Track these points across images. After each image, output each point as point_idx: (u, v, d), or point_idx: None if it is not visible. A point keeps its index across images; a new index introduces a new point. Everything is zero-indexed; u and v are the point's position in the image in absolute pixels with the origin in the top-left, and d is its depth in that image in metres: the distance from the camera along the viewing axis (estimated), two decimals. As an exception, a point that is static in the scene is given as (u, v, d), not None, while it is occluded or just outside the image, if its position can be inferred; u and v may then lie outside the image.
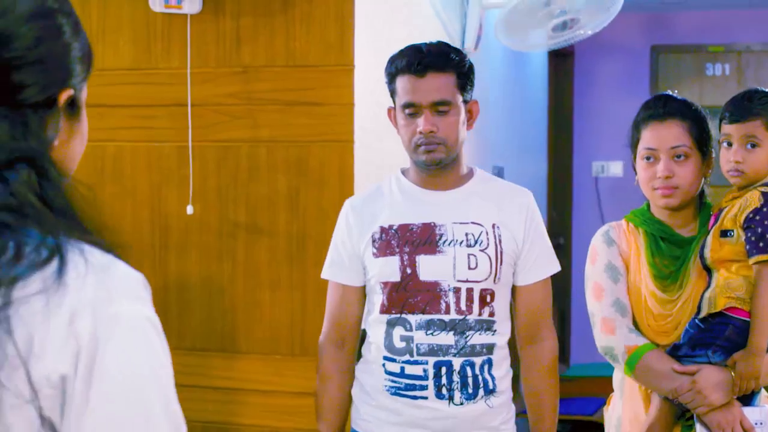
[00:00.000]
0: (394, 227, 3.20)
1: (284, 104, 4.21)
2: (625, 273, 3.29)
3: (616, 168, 9.05)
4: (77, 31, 1.49)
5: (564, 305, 8.65)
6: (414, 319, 3.14)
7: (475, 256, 3.15)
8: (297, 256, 4.21)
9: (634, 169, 3.33)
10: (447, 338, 3.13)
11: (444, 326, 3.13)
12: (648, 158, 3.23)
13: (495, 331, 3.18)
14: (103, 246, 1.40)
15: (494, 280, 3.16)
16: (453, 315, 3.13)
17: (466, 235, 3.16)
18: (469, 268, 3.14)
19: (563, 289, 8.44)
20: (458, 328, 3.13)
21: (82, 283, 1.30)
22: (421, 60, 3.13)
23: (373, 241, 3.21)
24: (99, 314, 1.30)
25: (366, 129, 4.19)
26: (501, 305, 3.21)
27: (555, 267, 3.31)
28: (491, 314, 3.17)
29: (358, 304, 3.32)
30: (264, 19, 4.22)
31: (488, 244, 3.16)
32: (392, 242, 3.18)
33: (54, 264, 1.29)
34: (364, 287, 3.30)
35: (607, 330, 3.22)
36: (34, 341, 1.26)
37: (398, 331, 3.18)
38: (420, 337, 3.14)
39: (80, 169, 4.11)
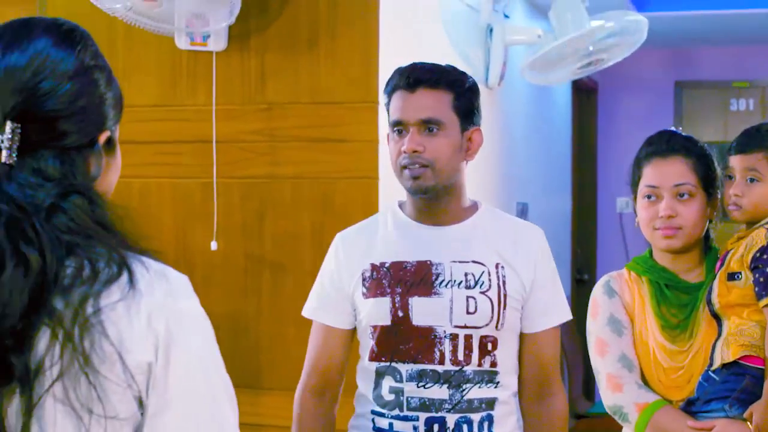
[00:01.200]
0: (387, 265, 2.88)
1: (309, 141, 4.22)
2: (629, 325, 3.06)
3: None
4: (110, 82, 1.76)
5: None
6: (405, 368, 2.82)
7: (474, 298, 2.82)
8: (321, 292, 4.21)
9: (635, 211, 3.14)
10: (440, 392, 2.80)
11: (437, 378, 2.80)
12: (649, 197, 3.03)
13: (498, 383, 2.85)
14: (150, 255, 1.69)
15: (497, 326, 2.83)
16: (448, 365, 2.80)
17: (466, 275, 2.84)
18: (468, 313, 2.81)
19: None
20: (453, 380, 2.80)
21: (151, 289, 1.62)
22: (411, 74, 2.85)
23: (364, 279, 2.90)
24: (169, 313, 1.63)
25: (390, 165, 4.19)
26: (506, 354, 2.88)
27: (566, 315, 3.00)
28: (493, 364, 2.84)
29: (342, 348, 3.01)
30: (289, 56, 4.24)
31: (490, 286, 2.83)
32: (383, 281, 2.86)
33: (125, 275, 1.59)
34: (351, 331, 2.99)
35: (614, 387, 3.00)
36: (123, 339, 1.57)
37: (387, 382, 2.85)
38: (411, 390, 2.81)
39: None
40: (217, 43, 4.23)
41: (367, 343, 2.91)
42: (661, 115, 9.25)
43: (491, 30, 5.53)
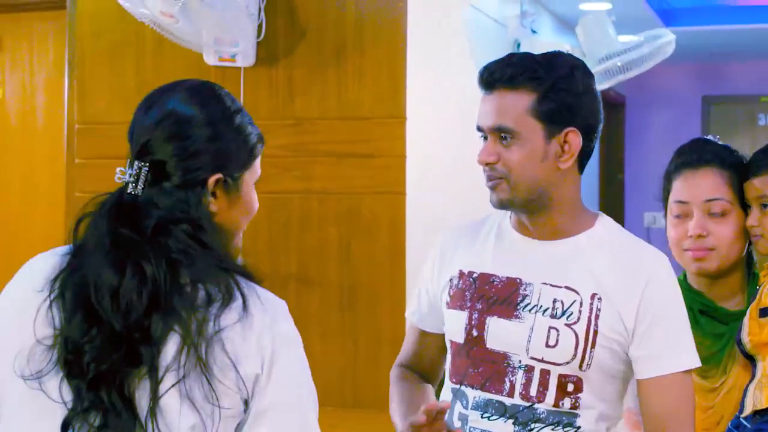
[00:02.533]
0: (475, 275, 2.53)
1: (336, 156, 4.23)
2: None
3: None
4: (219, 135, 2.03)
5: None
6: (472, 394, 2.49)
7: (557, 330, 2.41)
8: (348, 307, 4.21)
9: (666, 229, 2.82)
10: (505, 427, 2.44)
11: (503, 411, 2.44)
12: (678, 214, 2.71)
13: (579, 429, 2.42)
14: (253, 278, 2.03)
15: (580, 366, 2.40)
16: (517, 399, 2.43)
17: (554, 302, 2.44)
18: (547, 345, 2.41)
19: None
20: (521, 417, 2.42)
21: (261, 312, 1.96)
22: (490, 70, 2.46)
23: (450, 287, 2.58)
24: (274, 333, 1.96)
25: (418, 181, 4.20)
26: (595, 399, 2.43)
27: (687, 361, 2.43)
28: (574, 407, 2.41)
29: (438, 351, 2.69)
30: (317, 72, 4.25)
31: (579, 319, 2.41)
32: (466, 293, 2.53)
33: (239, 300, 1.93)
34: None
35: (633, 425, 2.65)
36: (238, 353, 1.90)
37: (457, 407, 2.53)
38: (475, 420, 2.48)
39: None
40: (246, 59, 4.24)
41: (449, 360, 2.60)
42: (688, 129, 9.20)
43: (519, 45, 5.53)
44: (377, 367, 4.10)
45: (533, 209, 2.47)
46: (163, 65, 4.45)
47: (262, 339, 1.94)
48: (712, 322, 2.70)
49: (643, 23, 6.07)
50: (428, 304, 2.66)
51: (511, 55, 2.48)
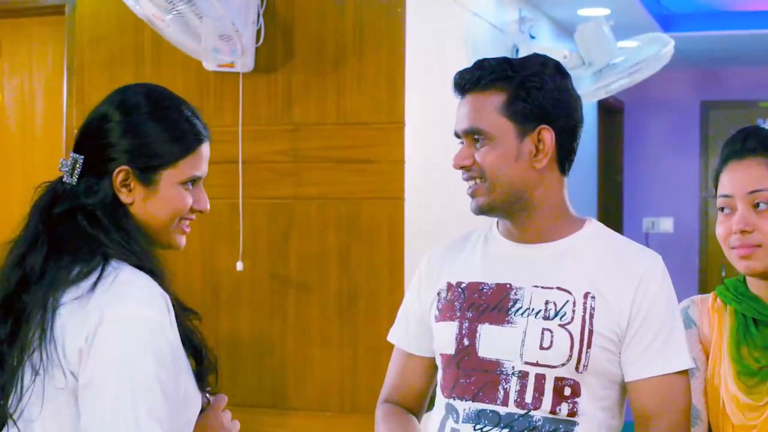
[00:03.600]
0: (463, 285, 2.46)
1: (335, 162, 4.23)
2: (704, 366, 2.48)
3: (666, 224, 9.01)
4: (132, 131, 2.15)
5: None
6: (462, 407, 2.38)
7: (551, 332, 2.33)
8: (347, 313, 4.21)
9: None
10: None
11: (497, 421, 2.34)
12: (723, 209, 2.44)
13: None
14: (145, 267, 2.09)
15: (576, 368, 2.32)
16: (511, 408, 2.33)
17: (546, 303, 2.36)
18: (542, 348, 2.33)
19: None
20: (516, 426, 2.32)
21: (103, 292, 2.02)
22: (461, 77, 2.46)
23: (438, 300, 2.50)
24: (105, 313, 2.00)
25: (416, 186, 4.20)
26: (592, 404, 2.35)
27: (679, 362, 2.35)
28: (572, 414, 2.32)
29: (424, 377, 2.60)
30: (315, 78, 4.25)
31: (572, 319, 2.33)
32: (455, 304, 2.45)
33: (92, 280, 2.03)
34: (433, 359, 2.56)
35: None
36: (66, 328, 2.01)
37: (449, 423, 2.42)
38: None
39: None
40: (244, 65, 4.24)
41: (439, 375, 2.50)
42: (686, 135, 9.24)
43: (517, 50, 5.54)
44: (376, 372, 4.10)
45: (515, 213, 2.42)
46: (161, 71, 4.46)
47: (90, 316, 2.01)
48: (767, 332, 2.41)
49: (642, 29, 6.07)
50: (416, 325, 2.58)
51: (483, 60, 2.45)
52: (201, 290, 4.40)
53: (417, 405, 2.62)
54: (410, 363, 2.61)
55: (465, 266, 2.50)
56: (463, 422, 2.37)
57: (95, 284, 2.03)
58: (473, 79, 2.41)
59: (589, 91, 5.47)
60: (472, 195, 2.42)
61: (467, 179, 2.42)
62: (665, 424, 2.34)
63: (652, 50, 5.29)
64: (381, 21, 4.18)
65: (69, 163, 2.17)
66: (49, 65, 5.22)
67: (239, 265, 4.29)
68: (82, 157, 2.16)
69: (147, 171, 2.16)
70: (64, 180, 2.17)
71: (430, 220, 4.36)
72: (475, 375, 2.38)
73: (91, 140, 2.16)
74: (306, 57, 4.28)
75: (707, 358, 2.48)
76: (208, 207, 2.29)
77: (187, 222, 2.28)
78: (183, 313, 2.18)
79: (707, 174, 9.17)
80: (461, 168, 2.41)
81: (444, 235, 4.50)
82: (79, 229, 2.11)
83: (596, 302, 2.35)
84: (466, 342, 2.40)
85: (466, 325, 2.41)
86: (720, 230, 2.43)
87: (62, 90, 4.69)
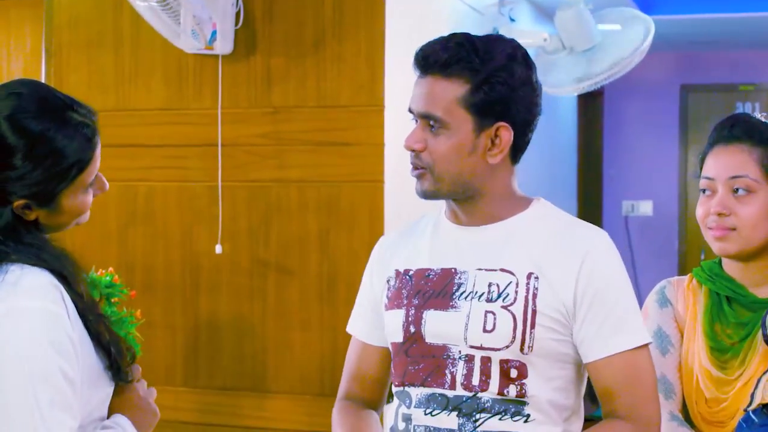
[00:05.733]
0: (411, 272, 2.44)
1: (315, 144, 4.22)
2: (678, 343, 2.58)
3: (645, 207, 9.03)
4: (26, 167, 2.10)
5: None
6: (414, 393, 2.37)
7: (494, 314, 2.30)
8: (327, 297, 4.21)
9: None
10: (448, 420, 2.32)
11: (446, 404, 2.33)
12: (704, 190, 2.55)
13: (528, 417, 2.31)
14: (54, 271, 2.08)
15: (522, 349, 2.29)
16: (459, 390, 2.31)
17: (489, 285, 2.33)
18: (485, 331, 2.30)
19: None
20: (464, 408, 2.31)
21: None
22: (425, 53, 2.36)
23: (388, 289, 2.49)
24: None
25: (396, 169, 4.20)
26: (542, 386, 2.32)
27: (635, 338, 2.31)
28: (520, 395, 2.30)
29: (381, 366, 2.57)
30: (295, 60, 4.24)
31: (515, 300, 2.30)
32: (403, 291, 2.43)
33: None
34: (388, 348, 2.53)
35: None
36: None
37: (401, 409, 2.41)
38: (418, 418, 2.35)
39: (113, 209, 4.12)
40: (224, 47, 4.23)
41: (392, 364, 2.49)
42: (666, 118, 9.25)
43: (497, 33, 5.54)
44: (356, 355, 4.11)
45: (460, 199, 2.39)
46: (140, 54, 4.44)
47: None
48: (739, 310, 2.53)
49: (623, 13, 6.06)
50: (371, 313, 2.56)
51: (449, 38, 2.35)
52: (180, 273, 4.40)
53: (376, 396, 2.59)
54: (366, 352, 2.58)
55: (413, 253, 2.47)
56: (414, 407, 2.37)
57: None
58: (438, 62, 2.32)
59: (572, 87, 5.47)
60: (417, 178, 2.37)
61: (415, 163, 2.37)
62: (631, 400, 2.29)
63: (634, 40, 5.28)
64: (360, 3, 4.17)
65: None
66: (27, 47, 5.20)
67: (218, 248, 4.28)
68: None
69: (46, 199, 2.14)
70: None
71: (409, 204, 4.34)
72: (423, 362, 2.36)
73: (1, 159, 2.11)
74: (285, 40, 4.26)
75: (682, 336, 2.58)
76: (107, 186, 2.26)
77: (95, 195, 2.27)
78: (92, 312, 2.16)
79: (686, 157, 9.19)
80: (412, 150, 2.35)
81: (424, 218, 4.50)
82: None
83: (539, 282, 2.31)
84: (412, 329, 2.38)
85: (413, 312, 2.38)
86: (700, 211, 2.54)
87: (40, 72, 4.67)
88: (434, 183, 2.35)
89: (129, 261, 4.44)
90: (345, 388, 2.61)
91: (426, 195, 2.38)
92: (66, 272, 2.11)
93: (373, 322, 2.55)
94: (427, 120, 2.32)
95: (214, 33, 4.17)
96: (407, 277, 2.44)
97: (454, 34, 2.37)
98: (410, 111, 2.38)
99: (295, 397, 4.27)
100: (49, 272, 2.08)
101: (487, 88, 2.30)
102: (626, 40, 5.35)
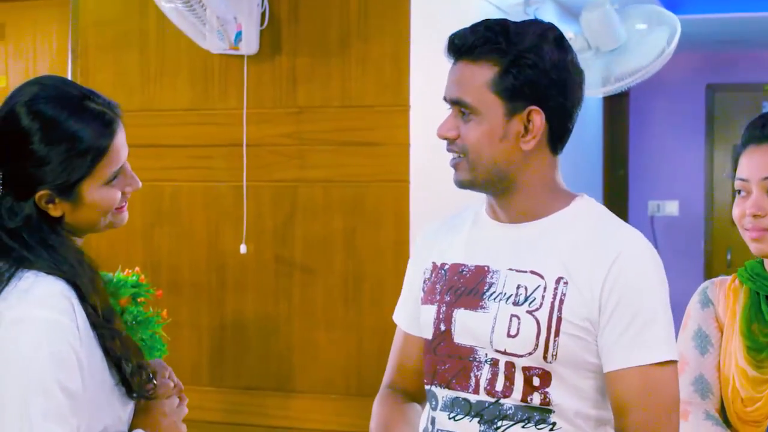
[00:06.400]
0: (446, 266, 2.37)
1: (340, 144, 4.22)
2: (718, 343, 2.55)
3: (671, 207, 8.99)
4: (35, 160, 2.10)
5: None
6: (441, 394, 2.31)
7: (518, 318, 2.21)
8: (353, 296, 4.21)
9: None
10: (470, 426, 2.25)
11: (468, 409, 2.26)
12: (739, 191, 2.52)
13: (554, 426, 2.21)
14: (58, 274, 2.07)
15: (545, 357, 2.19)
16: (482, 395, 2.24)
17: (518, 288, 2.24)
18: (509, 335, 2.21)
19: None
20: (486, 414, 2.23)
21: (5, 297, 2.04)
22: (454, 39, 2.28)
23: (424, 281, 2.42)
24: (3, 314, 2.02)
25: (422, 169, 4.19)
26: (567, 394, 2.22)
27: (659, 353, 2.17)
28: (545, 403, 2.20)
29: (420, 357, 2.43)
30: (320, 60, 4.24)
31: (541, 305, 2.20)
32: (437, 286, 2.36)
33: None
34: None
35: (681, 414, 2.32)
36: None
37: (428, 410, 2.36)
38: (442, 421, 2.30)
39: (139, 209, 4.14)
40: (249, 47, 4.23)
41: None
42: (692, 118, 9.21)
43: (522, 33, 5.52)
44: (381, 355, 4.10)
45: (497, 192, 2.30)
46: (166, 55, 4.45)
47: None
48: None
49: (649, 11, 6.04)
50: (412, 302, 2.47)
51: (480, 22, 2.28)
52: (206, 273, 4.40)
53: (418, 387, 2.46)
54: (407, 342, 2.50)
55: (451, 246, 2.39)
56: (440, 410, 2.31)
57: (1, 290, 2.05)
58: (466, 46, 2.24)
59: (598, 89, 5.47)
60: (454, 168, 2.30)
61: (450, 151, 2.30)
62: (642, 418, 2.16)
63: (659, 43, 5.26)
64: (386, 3, 4.17)
65: None
66: (54, 48, 5.22)
67: (243, 248, 4.29)
68: (1, 174, 2.14)
69: (66, 189, 2.13)
70: None
71: (435, 203, 4.35)
72: (450, 362, 2.29)
73: (7, 156, 2.13)
74: (310, 40, 4.26)
75: (722, 336, 2.54)
76: (140, 184, 2.25)
77: (125, 201, 2.25)
78: (105, 326, 2.14)
79: (712, 157, 9.16)
80: (445, 138, 2.29)
81: (449, 218, 4.50)
82: (1, 244, 2.11)
83: (568, 288, 2.19)
84: (442, 327, 2.30)
85: (444, 309, 2.31)
86: (736, 211, 2.50)
87: (66, 73, 4.69)
88: (469, 171, 2.26)
89: (155, 261, 4.46)
90: (388, 377, 2.54)
91: (462, 184, 2.30)
92: (81, 282, 2.10)
93: (413, 311, 2.45)
94: (459, 107, 2.25)
95: (239, 33, 4.17)
96: (442, 271, 2.36)
97: (486, 19, 2.29)
98: (444, 99, 2.30)
99: (320, 396, 4.27)
100: (64, 281, 2.08)
101: (516, 71, 2.20)
102: (652, 39, 5.33)
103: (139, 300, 3.55)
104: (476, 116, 2.22)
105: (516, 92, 2.21)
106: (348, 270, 4.23)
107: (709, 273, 8.50)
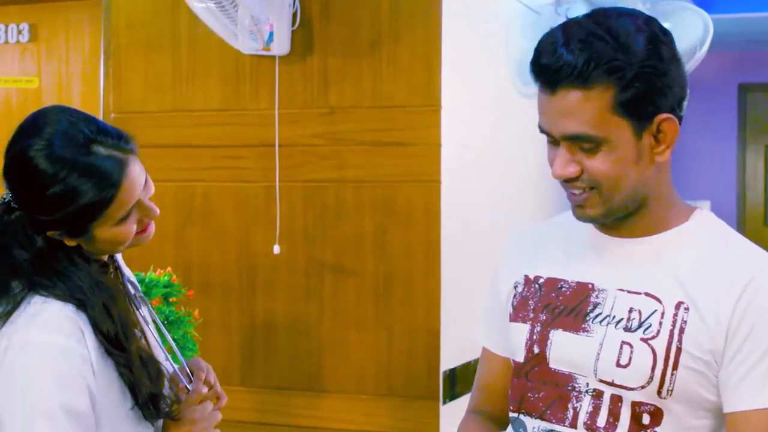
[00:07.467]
0: (541, 280, 2.13)
1: (371, 145, 4.22)
2: None
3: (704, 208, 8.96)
4: (47, 207, 2.10)
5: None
6: (531, 424, 2.07)
7: (631, 346, 1.96)
8: (383, 296, 4.21)
9: None
10: None
11: None
12: None
13: None
14: (65, 299, 2.08)
15: (659, 392, 1.94)
16: (581, 430, 2.00)
17: (630, 311, 1.99)
18: (618, 365, 1.96)
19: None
20: None
21: (14, 322, 2.06)
22: (549, 64, 1.94)
23: (514, 295, 2.18)
24: (12, 338, 2.04)
25: (453, 169, 4.19)
26: None
27: None
28: None
29: (506, 378, 2.21)
30: (351, 60, 4.24)
31: (659, 332, 1.94)
32: (530, 302, 2.12)
33: (9, 309, 2.06)
34: None
35: None
36: None
37: None
38: None
39: (170, 209, 4.17)
40: (280, 48, 4.24)
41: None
42: (724, 118, 9.18)
43: (554, 33, 5.50)
44: (411, 356, 4.10)
45: (627, 213, 2.05)
46: (198, 55, 4.46)
47: (2, 340, 2.06)
48: None
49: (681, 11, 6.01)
50: (497, 319, 2.23)
51: (568, 37, 1.94)
52: (237, 273, 4.41)
53: (506, 410, 2.20)
54: (491, 362, 2.29)
55: (546, 258, 2.15)
56: None
57: (9, 314, 2.07)
58: (572, 71, 1.91)
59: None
60: (581, 205, 2.02)
61: (573, 187, 2.02)
62: None
63: (692, 42, 5.23)
64: (417, 3, 4.17)
65: (5, 201, 2.18)
66: (86, 49, 5.25)
67: (276, 249, 4.29)
68: (17, 207, 2.15)
69: (76, 233, 2.15)
70: (7, 210, 2.17)
71: (466, 204, 4.34)
72: (544, 389, 2.06)
73: (23, 194, 2.13)
74: (342, 40, 4.27)
75: None
76: (158, 212, 2.26)
77: (146, 224, 2.27)
78: (115, 353, 2.13)
79: (744, 157, 9.11)
80: (565, 179, 2.01)
81: (480, 218, 4.49)
82: (14, 265, 2.12)
83: (689, 315, 1.94)
84: (536, 349, 2.07)
85: (538, 329, 2.08)
86: None
87: (99, 74, 4.71)
88: (602, 205, 2.01)
89: (186, 261, 4.47)
90: (473, 401, 2.35)
91: (593, 220, 2.05)
92: (93, 312, 2.10)
93: (497, 328, 2.23)
94: (576, 142, 1.97)
95: (271, 34, 4.18)
96: (536, 285, 2.13)
97: (568, 29, 1.97)
98: (543, 131, 2.03)
99: (350, 396, 4.27)
100: (74, 306, 2.09)
101: (639, 84, 1.92)
102: (684, 39, 5.30)
103: (171, 300, 3.57)
104: (603, 146, 1.95)
105: (641, 107, 1.95)
106: (379, 270, 4.23)
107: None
